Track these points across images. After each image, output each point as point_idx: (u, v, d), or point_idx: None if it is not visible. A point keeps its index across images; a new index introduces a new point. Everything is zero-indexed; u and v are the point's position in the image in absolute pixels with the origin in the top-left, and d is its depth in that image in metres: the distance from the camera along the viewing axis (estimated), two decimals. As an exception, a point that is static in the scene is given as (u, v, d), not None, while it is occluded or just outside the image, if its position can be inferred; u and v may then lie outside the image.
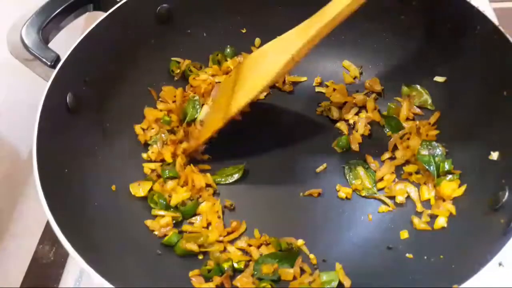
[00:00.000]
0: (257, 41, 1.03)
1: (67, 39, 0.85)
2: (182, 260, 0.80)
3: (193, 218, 0.85)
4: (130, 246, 0.78)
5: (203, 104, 0.95)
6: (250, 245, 0.81)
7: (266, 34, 1.00)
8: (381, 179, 0.87)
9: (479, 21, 0.79)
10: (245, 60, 0.91)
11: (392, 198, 0.84)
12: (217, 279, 0.76)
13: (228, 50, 1.02)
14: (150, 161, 0.91)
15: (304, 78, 1.01)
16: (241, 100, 0.85)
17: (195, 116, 0.94)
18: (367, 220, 0.83)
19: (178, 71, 0.99)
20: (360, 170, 0.88)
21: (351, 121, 0.94)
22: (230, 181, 0.89)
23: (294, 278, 0.76)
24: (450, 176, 0.82)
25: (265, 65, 0.84)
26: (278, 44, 0.84)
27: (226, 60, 1.01)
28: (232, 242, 0.82)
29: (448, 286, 0.62)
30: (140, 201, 0.85)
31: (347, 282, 0.75)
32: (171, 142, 0.91)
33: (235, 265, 0.78)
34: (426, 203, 0.82)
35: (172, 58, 0.99)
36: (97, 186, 0.81)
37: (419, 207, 0.82)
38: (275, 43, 0.85)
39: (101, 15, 0.85)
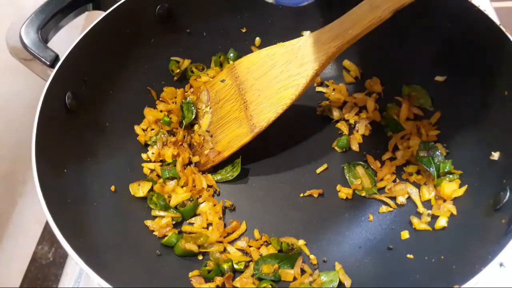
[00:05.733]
0: (257, 41, 1.02)
1: (66, 39, 0.85)
2: (182, 260, 0.80)
3: (193, 218, 0.85)
4: (129, 246, 0.78)
5: (204, 113, 0.94)
6: (250, 246, 0.81)
7: (266, 34, 1.01)
8: (382, 179, 0.87)
9: (480, 21, 0.79)
10: (243, 63, 0.89)
11: (393, 198, 0.84)
12: (217, 280, 0.76)
13: (232, 54, 1.01)
14: (150, 161, 0.91)
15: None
16: (269, 114, 0.84)
17: (191, 118, 0.94)
18: (367, 221, 0.83)
19: (178, 70, 0.99)
20: (360, 170, 0.87)
21: (351, 121, 0.94)
22: (230, 178, 0.89)
23: (295, 278, 0.76)
24: (450, 177, 0.81)
25: (287, 76, 0.83)
26: (295, 54, 0.82)
27: (229, 62, 1.00)
28: (232, 242, 0.82)
29: (449, 287, 0.62)
30: (140, 201, 0.85)
31: (347, 282, 0.75)
32: (171, 143, 0.91)
33: (235, 265, 0.78)
34: (427, 204, 0.82)
35: (172, 58, 0.99)
36: (97, 186, 0.81)
37: (420, 208, 0.82)
38: (289, 52, 0.83)
39: (101, 14, 0.85)
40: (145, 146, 0.93)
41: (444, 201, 0.80)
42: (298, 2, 0.61)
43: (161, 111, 0.95)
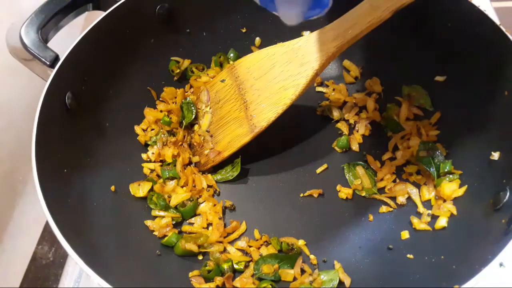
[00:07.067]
0: (257, 41, 1.02)
1: (66, 39, 0.85)
2: (182, 260, 0.80)
3: (193, 218, 0.85)
4: (129, 246, 0.78)
5: (204, 113, 0.94)
6: (250, 246, 0.81)
7: (266, 34, 1.01)
8: (382, 179, 0.87)
9: (480, 21, 0.79)
10: (243, 63, 0.89)
11: (393, 198, 0.84)
12: (217, 280, 0.76)
13: (232, 54, 1.01)
14: (150, 161, 0.91)
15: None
16: (269, 114, 0.84)
17: (191, 118, 0.94)
18: (367, 221, 0.83)
19: (178, 71, 0.99)
20: (360, 170, 0.87)
21: (351, 121, 0.94)
22: (230, 178, 0.89)
23: (295, 278, 0.76)
24: (450, 177, 0.81)
25: (287, 76, 0.83)
26: (295, 54, 0.82)
27: (229, 62, 1.00)
28: (232, 242, 0.82)
29: (449, 287, 0.62)
30: (140, 201, 0.85)
31: (347, 281, 0.75)
32: (171, 143, 0.91)
33: (235, 265, 0.78)
34: (427, 204, 0.82)
35: (172, 58, 0.99)
36: (97, 186, 0.81)
37: (420, 208, 0.82)
38: (289, 52, 0.83)
39: (101, 14, 0.85)
40: (145, 146, 0.93)
41: (444, 201, 0.80)
42: (307, 16, 0.61)
43: (161, 111, 0.95)
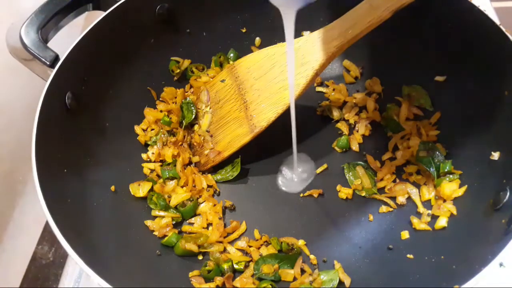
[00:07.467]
0: (257, 41, 1.02)
1: (66, 39, 0.85)
2: (182, 260, 0.80)
3: (193, 218, 0.85)
4: (129, 246, 0.78)
5: (204, 113, 0.94)
6: (250, 246, 0.81)
7: (266, 34, 1.01)
8: (382, 179, 0.87)
9: (480, 21, 0.79)
10: (243, 63, 0.89)
11: (393, 198, 0.84)
12: (217, 280, 0.76)
13: (232, 54, 1.01)
14: (150, 161, 0.91)
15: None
16: (269, 114, 0.84)
17: (191, 118, 0.94)
18: (367, 221, 0.83)
19: (178, 70, 0.99)
20: (360, 170, 0.87)
21: (351, 121, 0.94)
22: (230, 178, 0.89)
23: (295, 278, 0.76)
24: (450, 177, 0.81)
25: (287, 76, 0.82)
26: (296, 54, 0.82)
27: (229, 62, 1.00)
28: (232, 242, 0.82)
29: (449, 287, 0.62)
30: (140, 201, 0.85)
31: (347, 280, 0.75)
32: (171, 143, 0.91)
33: (235, 265, 0.78)
34: (427, 204, 0.82)
35: (172, 58, 0.99)
36: (97, 186, 0.81)
37: (420, 208, 0.82)
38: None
39: (101, 14, 0.85)
40: (145, 146, 0.93)
41: (444, 201, 0.80)
42: (307, 1, 0.61)
43: (161, 111, 0.95)
